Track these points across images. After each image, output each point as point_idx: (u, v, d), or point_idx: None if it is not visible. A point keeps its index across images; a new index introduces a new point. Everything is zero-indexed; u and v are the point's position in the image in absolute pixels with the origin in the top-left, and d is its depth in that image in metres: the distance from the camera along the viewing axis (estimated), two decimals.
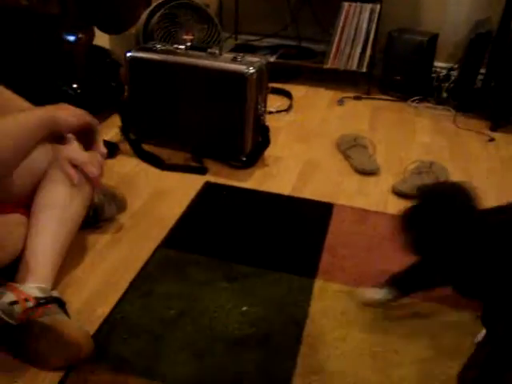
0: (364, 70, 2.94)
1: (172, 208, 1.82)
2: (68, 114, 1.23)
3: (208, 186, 1.96)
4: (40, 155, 1.36)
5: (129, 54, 2.11)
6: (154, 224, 1.72)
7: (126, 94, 2.28)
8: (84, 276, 1.47)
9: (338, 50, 2.95)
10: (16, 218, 1.34)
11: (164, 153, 2.19)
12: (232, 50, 3.06)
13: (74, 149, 1.34)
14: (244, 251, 1.60)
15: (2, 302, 1.14)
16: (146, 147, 2.21)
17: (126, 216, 1.75)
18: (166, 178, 2.03)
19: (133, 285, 1.45)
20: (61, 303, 1.25)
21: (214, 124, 2.08)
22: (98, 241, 1.62)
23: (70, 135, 1.29)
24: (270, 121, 2.26)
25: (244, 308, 1.37)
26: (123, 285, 1.45)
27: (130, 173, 2.05)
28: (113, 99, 2.49)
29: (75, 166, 1.36)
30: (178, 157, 2.17)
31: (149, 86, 2.12)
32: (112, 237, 1.65)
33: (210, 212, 1.81)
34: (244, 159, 2.10)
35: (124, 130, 2.22)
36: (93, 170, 1.36)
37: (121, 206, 1.71)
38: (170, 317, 1.33)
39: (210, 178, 2.03)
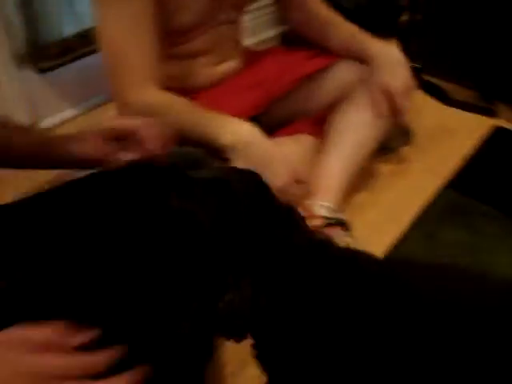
0: None
1: (456, 148, 1.69)
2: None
3: (498, 131, 1.77)
4: (348, 70, 1.32)
5: None
6: (437, 161, 1.62)
7: (405, 16, 2.12)
8: (366, 204, 1.44)
9: None
10: (306, 139, 1.31)
11: (447, 86, 2.02)
12: None
13: (390, 73, 1.26)
14: None
15: None
16: (426, 77, 2.06)
17: (409, 148, 1.67)
18: (449, 113, 1.89)
19: (416, 222, 1.38)
20: (347, 226, 1.23)
21: None
22: (382, 170, 1.57)
23: None
24: None
25: None
26: (405, 219, 1.39)
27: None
28: (391, 21, 2.34)
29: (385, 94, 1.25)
30: (463, 93, 1.99)
31: (445, 8, 1.92)
32: (396, 168, 1.59)
33: (501, 162, 1.64)
34: None
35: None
36: (404, 103, 1.25)
37: (407, 137, 1.63)
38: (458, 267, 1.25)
39: (499, 122, 1.83)
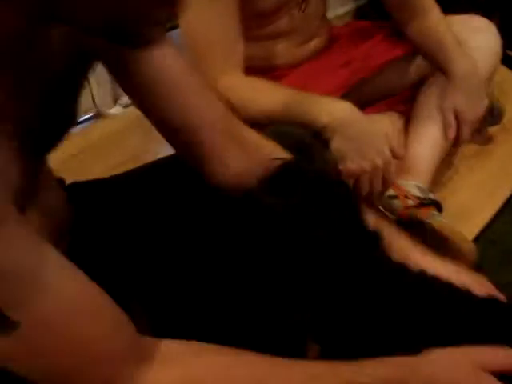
0: None
1: None
2: None
3: None
4: None
5: None
6: None
7: None
8: (451, 185, 1.38)
9: None
10: (395, 116, 1.31)
11: None
12: None
13: (465, 102, 1.18)
14: None
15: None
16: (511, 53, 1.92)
17: (496, 129, 1.56)
18: None
19: (505, 205, 1.30)
20: (439, 207, 1.18)
21: None
22: (467, 151, 1.48)
23: None
24: None
25: None
26: (493, 202, 1.31)
27: (495, 80, 1.82)
28: None
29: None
30: None
31: None
32: (482, 149, 1.50)
33: None
34: None
35: None
36: (465, 135, 1.21)
37: (496, 117, 1.52)
38: None
39: None
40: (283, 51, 1.20)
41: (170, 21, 0.45)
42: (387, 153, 0.92)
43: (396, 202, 1.16)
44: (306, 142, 0.92)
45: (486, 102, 1.19)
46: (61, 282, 0.45)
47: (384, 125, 1.17)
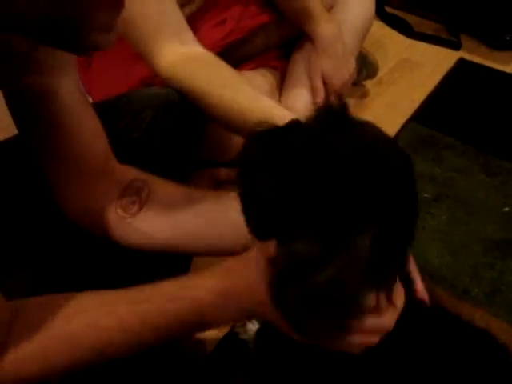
0: None
1: (420, 81, 1.66)
2: None
3: (462, 63, 1.75)
4: None
5: None
6: (401, 95, 1.59)
7: None
8: None
9: None
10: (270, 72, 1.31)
11: (411, 19, 1.96)
12: None
13: (331, 67, 1.21)
14: (505, 145, 1.41)
15: None
16: (389, 10, 1.99)
17: (371, 82, 1.62)
18: (413, 46, 1.84)
19: None
20: None
21: None
22: None
23: None
24: None
25: (506, 209, 1.22)
26: None
27: (373, 36, 1.88)
28: None
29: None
30: (428, 26, 1.94)
31: None
32: (357, 102, 1.55)
33: (464, 94, 1.62)
34: (508, 38, 1.81)
35: None
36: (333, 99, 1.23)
37: (371, 71, 1.58)
38: (423, 200, 1.23)
39: (463, 55, 1.80)
40: None
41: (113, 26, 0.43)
42: None
43: None
44: (176, 101, 0.90)
45: (352, 65, 1.22)
46: None
47: (256, 81, 1.18)
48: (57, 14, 0.38)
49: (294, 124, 0.52)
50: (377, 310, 0.49)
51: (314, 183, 0.44)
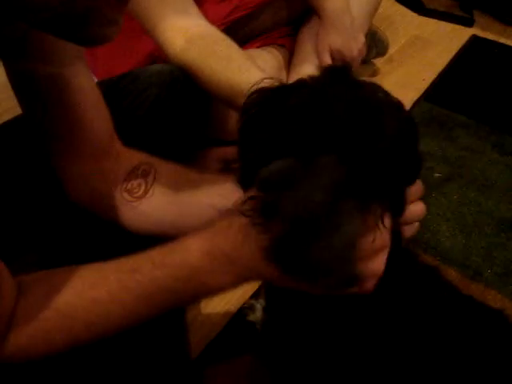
0: None
1: (432, 59, 1.62)
2: None
3: (475, 40, 1.70)
4: None
5: None
6: (412, 74, 1.55)
7: None
8: None
9: None
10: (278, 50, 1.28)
11: None
12: None
13: (340, 42, 1.17)
14: None
15: None
16: None
17: (381, 60, 1.58)
18: (424, 24, 1.80)
19: None
20: None
21: None
22: None
23: None
24: None
25: None
26: None
27: (383, 13, 1.84)
28: None
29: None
30: (439, 2, 1.89)
31: None
32: (369, 80, 1.51)
33: (477, 72, 1.58)
34: None
35: None
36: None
37: (381, 48, 1.54)
38: (434, 181, 1.21)
39: (477, 31, 1.76)
40: None
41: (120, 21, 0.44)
42: None
43: None
44: (180, 78, 0.88)
45: (361, 41, 1.19)
46: None
47: (263, 59, 1.15)
48: (69, 9, 0.39)
49: (298, 82, 0.53)
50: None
51: (299, 116, 0.48)
